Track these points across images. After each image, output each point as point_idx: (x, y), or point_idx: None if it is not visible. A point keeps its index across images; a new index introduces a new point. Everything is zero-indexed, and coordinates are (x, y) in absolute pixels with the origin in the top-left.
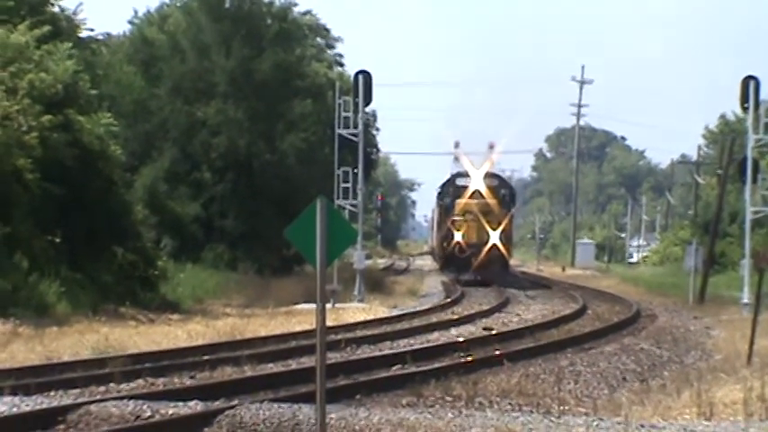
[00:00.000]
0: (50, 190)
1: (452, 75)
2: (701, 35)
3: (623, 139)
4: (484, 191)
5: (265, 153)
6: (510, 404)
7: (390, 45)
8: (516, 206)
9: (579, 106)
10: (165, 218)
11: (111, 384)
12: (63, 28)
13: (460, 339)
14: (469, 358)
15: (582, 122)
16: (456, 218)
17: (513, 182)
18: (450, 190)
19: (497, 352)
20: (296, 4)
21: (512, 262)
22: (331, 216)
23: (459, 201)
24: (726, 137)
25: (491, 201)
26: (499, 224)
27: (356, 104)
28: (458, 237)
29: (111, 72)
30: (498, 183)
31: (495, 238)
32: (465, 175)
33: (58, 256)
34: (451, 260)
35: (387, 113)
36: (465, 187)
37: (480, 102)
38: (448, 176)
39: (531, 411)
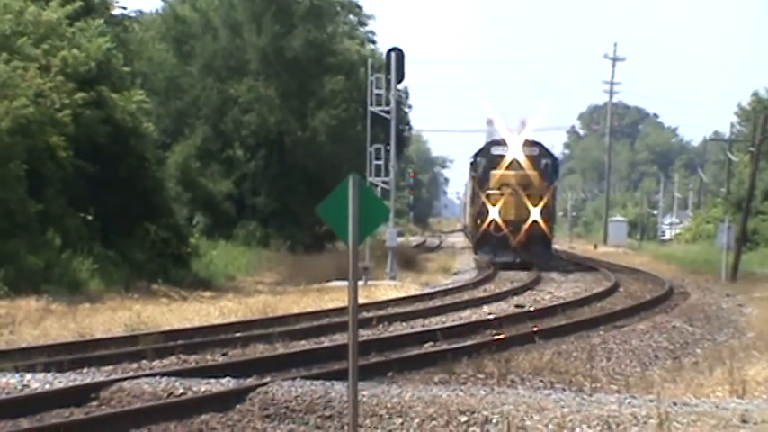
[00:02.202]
0: (83, 167)
1: (485, 52)
2: (737, 12)
3: (656, 116)
4: (523, 161)
5: (297, 130)
6: (542, 381)
7: (423, 22)
8: (559, 178)
9: (612, 83)
10: (198, 195)
11: (144, 361)
12: (95, 5)
13: (491, 317)
14: (498, 336)
15: (614, 100)
16: (491, 191)
17: None
18: (485, 160)
19: (535, 329)
20: None
21: None
22: (363, 193)
23: (494, 172)
24: (758, 114)
25: (531, 172)
26: (540, 198)
27: (388, 82)
28: (493, 213)
29: (143, 49)
30: (539, 151)
31: (535, 214)
32: (501, 143)
33: (90, 233)
34: (486, 239)
35: (419, 90)
36: (501, 156)
37: (513, 79)
38: (482, 145)
39: (564, 389)
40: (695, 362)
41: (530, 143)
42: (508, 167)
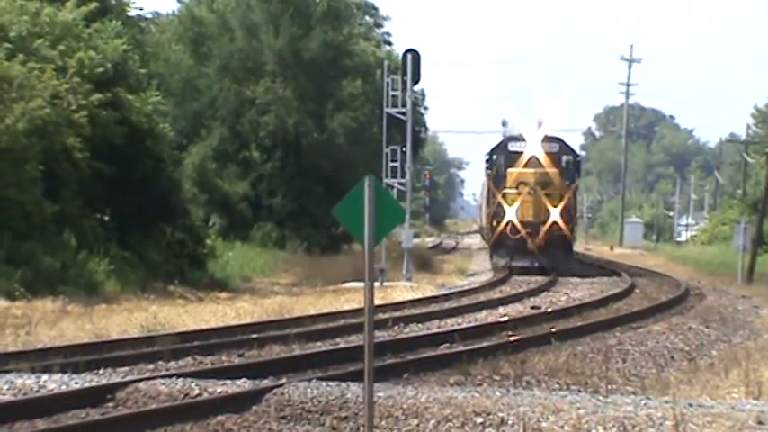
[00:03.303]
0: (99, 168)
1: (502, 54)
2: (754, 13)
3: (672, 117)
4: (542, 158)
5: (314, 132)
6: (558, 383)
7: (440, 24)
8: (581, 176)
9: (628, 85)
10: (214, 196)
11: (160, 362)
12: (111, 6)
13: (503, 319)
14: (512, 338)
15: (631, 101)
16: (508, 190)
17: None
18: (501, 157)
19: (553, 330)
20: None
21: None
22: (379, 195)
23: (511, 170)
24: None
25: (551, 170)
26: (561, 198)
27: (404, 83)
28: (510, 214)
29: (159, 51)
30: (560, 148)
31: (555, 215)
32: (519, 138)
33: (106, 234)
34: (502, 242)
35: (435, 92)
36: (519, 153)
37: (529, 80)
38: (498, 141)
39: (579, 390)
40: (711, 363)
41: (549, 139)
42: (526, 165)
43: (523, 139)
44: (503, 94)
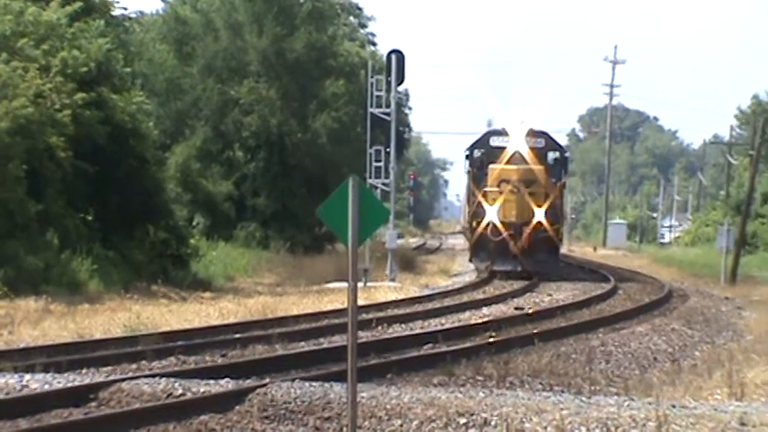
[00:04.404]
0: (83, 168)
1: (485, 55)
2: (737, 15)
3: (656, 119)
4: (526, 153)
5: (297, 132)
6: (541, 384)
7: (424, 25)
8: (568, 174)
9: (612, 86)
10: (198, 196)
11: (143, 362)
12: (95, 5)
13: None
14: (491, 339)
15: (614, 102)
16: (489, 189)
17: None
18: (483, 152)
19: (535, 331)
20: None
21: None
22: (363, 195)
23: (493, 166)
24: (758, 117)
25: (536, 167)
26: (546, 197)
27: (389, 84)
28: (491, 214)
29: (143, 50)
30: (545, 143)
31: (540, 215)
32: (502, 133)
33: (90, 233)
34: (482, 244)
35: (420, 93)
36: (501, 149)
37: (513, 81)
38: (480, 135)
39: (563, 391)
40: (694, 364)
41: (534, 133)
42: (509, 161)
43: (506, 134)
44: (486, 91)
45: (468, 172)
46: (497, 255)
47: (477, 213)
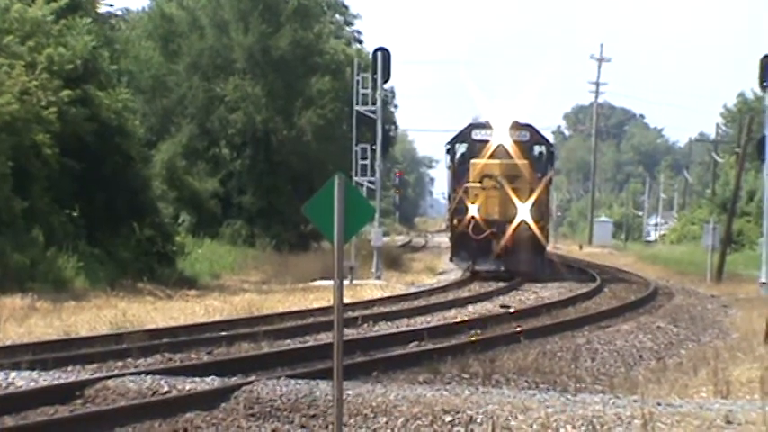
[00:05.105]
0: (69, 165)
1: (470, 53)
2: (721, 13)
3: (642, 117)
4: (510, 147)
5: (283, 129)
6: (527, 381)
7: (409, 22)
8: (555, 169)
9: (597, 84)
10: (183, 193)
11: (129, 359)
12: (81, 3)
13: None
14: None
15: (600, 100)
16: (471, 185)
17: None
18: (464, 146)
19: (518, 329)
20: None
21: None
22: (349, 193)
23: (475, 161)
24: (744, 115)
25: (520, 161)
26: (531, 193)
27: (374, 81)
28: (472, 211)
29: (129, 48)
30: (530, 136)
31: (524, 212)
32: (485, 126)
33: (75, 231)
34: (463, 243)
35: (405, 90)
36: (484, 142)
37: (498, 78)
38: (462, 128)
39: (548, 389)
40: (680, 362)
41: (519, 126)
42: (492, 156)
43: (489, 127)
44: (472, 86)
45: (450, 167)
46: (479, 254)
47: (458, 210)
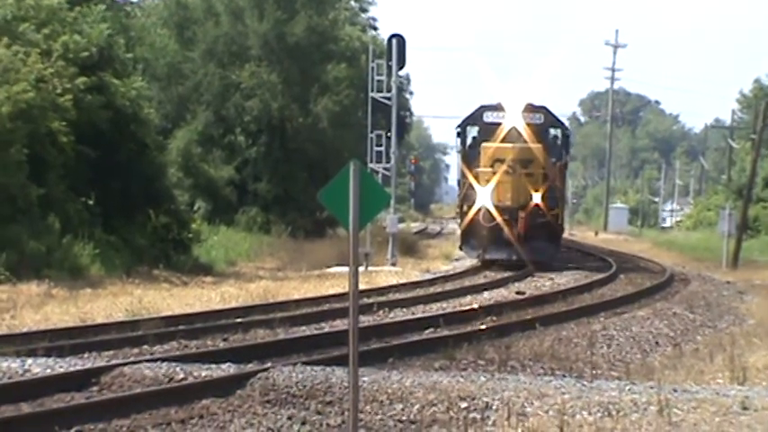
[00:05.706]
0: (84, 152)
1: (486, 38)
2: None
3: (657, 103)
4: (523, 130)
5: (299, 116)
6: (543, 368)
7: (425, 8)
8: (570, 153)
9: (613, 70)
10: (199, 181)
11: (145, 346)
12: None
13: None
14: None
15: (616, 86)
16: (482, 169)
17: None
18: (475, 129)
19: (528, 317)
20: None
21: None
22: (364, 179)
23: (486, 145)
24: (760, 101)
25: (534, 145)
26: (545, 179)
27: (389, 68)
28: (483, 197)
29: (145, 35)
30: (545, 118)
31: (538, 198)
32: (497, 108)
33: (91, 218)
34: (474, 231)
35: (420, 77)
36: (496, 125)
37: (513, 64)
38: (473, 110)
39: (564, 375)
40: (696, 349)
41: (533, 108)
42: (504, 139)
43: (502, 109)
44: (486, 70)
45: (460, 151)
46: (490, 242)
47: (468, 196)
